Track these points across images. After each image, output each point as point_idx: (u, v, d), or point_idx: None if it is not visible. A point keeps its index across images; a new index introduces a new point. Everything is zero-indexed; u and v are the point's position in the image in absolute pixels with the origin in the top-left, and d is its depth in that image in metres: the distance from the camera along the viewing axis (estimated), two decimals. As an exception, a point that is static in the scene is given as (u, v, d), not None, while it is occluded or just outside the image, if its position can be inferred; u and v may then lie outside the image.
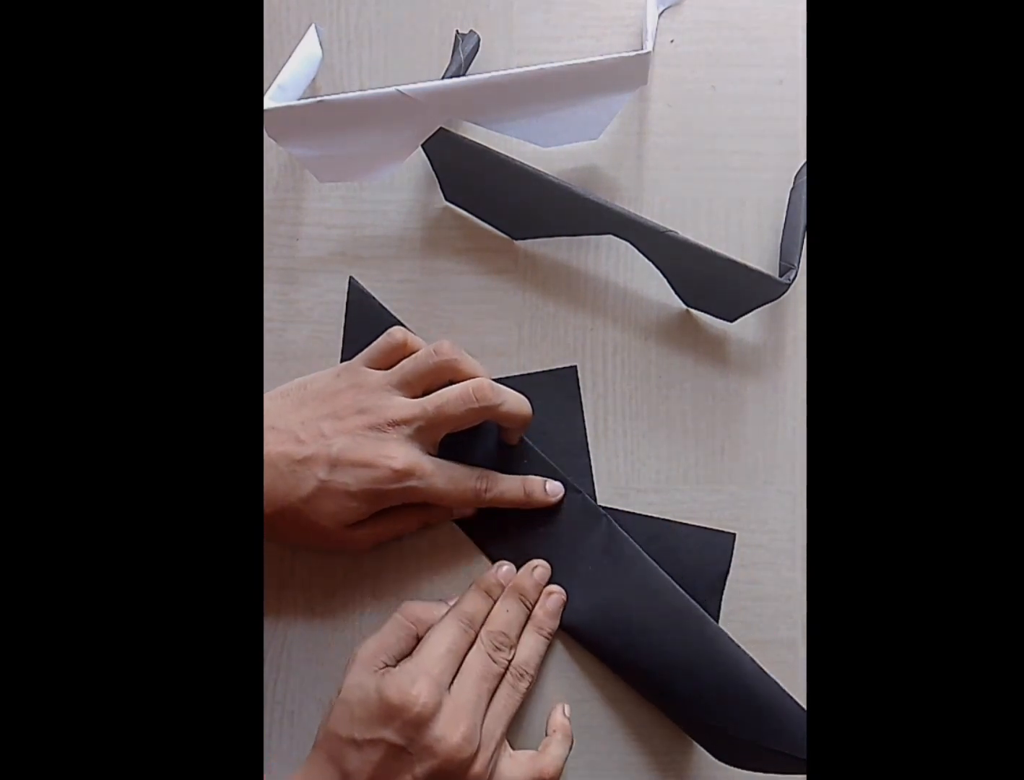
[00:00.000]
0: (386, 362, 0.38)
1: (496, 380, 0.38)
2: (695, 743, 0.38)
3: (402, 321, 0.41)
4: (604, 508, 0.39)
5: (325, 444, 0.35)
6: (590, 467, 0.40)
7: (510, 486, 0.38)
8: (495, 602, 0.37)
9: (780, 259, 0.40)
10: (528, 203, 0.39)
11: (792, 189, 0.42)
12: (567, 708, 0.38)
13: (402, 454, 0.36)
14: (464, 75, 0.42)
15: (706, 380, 0.41)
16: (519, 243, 0.43)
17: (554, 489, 0.39)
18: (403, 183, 0.43)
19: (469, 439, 0.39)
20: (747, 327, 0.42)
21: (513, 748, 0.36)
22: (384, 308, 0.42)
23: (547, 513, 0.39)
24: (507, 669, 0.36)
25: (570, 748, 0.37)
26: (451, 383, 0.37)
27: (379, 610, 0.39)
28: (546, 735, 0.37)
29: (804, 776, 0.35)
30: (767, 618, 0.39)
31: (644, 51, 0.37)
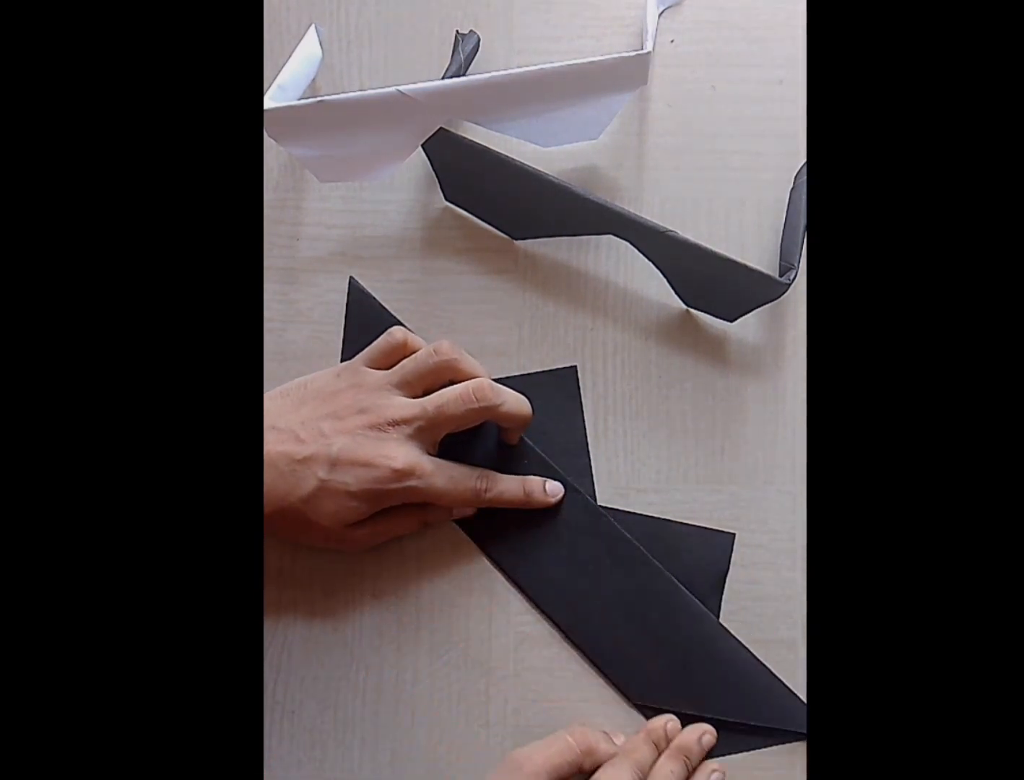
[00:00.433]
0: (386, 362, 0.38)
1: (496, 380, 0.38)
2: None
3: (402, 321, 0.41)
4: (604, 508, 0.40)
5: (325, 444, 0.35)
6: (590, 467, 0.40)
7: (510, 486, 0.39)
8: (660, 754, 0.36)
9: (780, 259, 0.40)
10: (528, 203, 0.39)
11: (792, 189, 0.42)
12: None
13: (402, 454, 0.36)
14: (464, 75, 0.42)
15: (706, 380, 0.41)
16: (519, 243, 0.43)
17: (554, 489, 0.39)
18: (403, 183, 0.43)
19: (469, 439, 0.39)
20: (747, 327, 0.42)
21: None
22: (384, 308, 0.42)
23: (547, 513, 0.39)
24: None
25: None
26: (451, 383, 0.37)
27: (379, 610, 0.39)
28: None
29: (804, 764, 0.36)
30: (767, 618, 0.39)
31: (644, 51, 0.37)
